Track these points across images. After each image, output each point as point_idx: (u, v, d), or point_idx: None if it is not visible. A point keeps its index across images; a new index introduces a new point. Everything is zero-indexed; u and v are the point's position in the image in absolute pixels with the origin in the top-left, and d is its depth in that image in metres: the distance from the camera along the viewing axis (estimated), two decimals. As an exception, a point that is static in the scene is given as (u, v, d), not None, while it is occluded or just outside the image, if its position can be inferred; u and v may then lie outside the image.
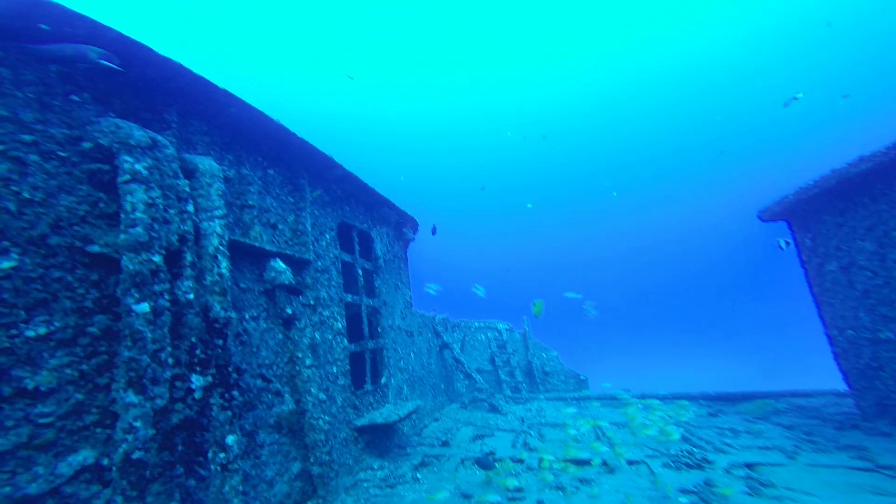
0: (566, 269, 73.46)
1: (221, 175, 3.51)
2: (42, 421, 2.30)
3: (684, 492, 4.44)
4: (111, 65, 2.88)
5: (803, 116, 57.23)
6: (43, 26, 2.71)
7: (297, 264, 4.89)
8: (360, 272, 6.68)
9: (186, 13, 50.53)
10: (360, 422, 5.56)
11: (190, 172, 3.33)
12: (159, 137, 3.12)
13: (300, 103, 60.55)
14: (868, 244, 6.29)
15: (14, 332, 2.28)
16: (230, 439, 3.03)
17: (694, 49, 55.92)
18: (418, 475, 5.31)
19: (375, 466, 5.43)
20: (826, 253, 7.13)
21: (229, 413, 3.06)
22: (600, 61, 59.17)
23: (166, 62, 3.32)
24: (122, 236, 2.68)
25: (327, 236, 5.81)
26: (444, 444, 6.79)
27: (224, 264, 3.26)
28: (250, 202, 4.36)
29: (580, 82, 61.46)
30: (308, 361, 4.58)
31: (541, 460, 5.51)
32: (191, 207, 3.15)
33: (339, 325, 5.66)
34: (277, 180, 4.90)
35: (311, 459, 4.34)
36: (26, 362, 2.30)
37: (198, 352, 2.93)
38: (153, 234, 2.77)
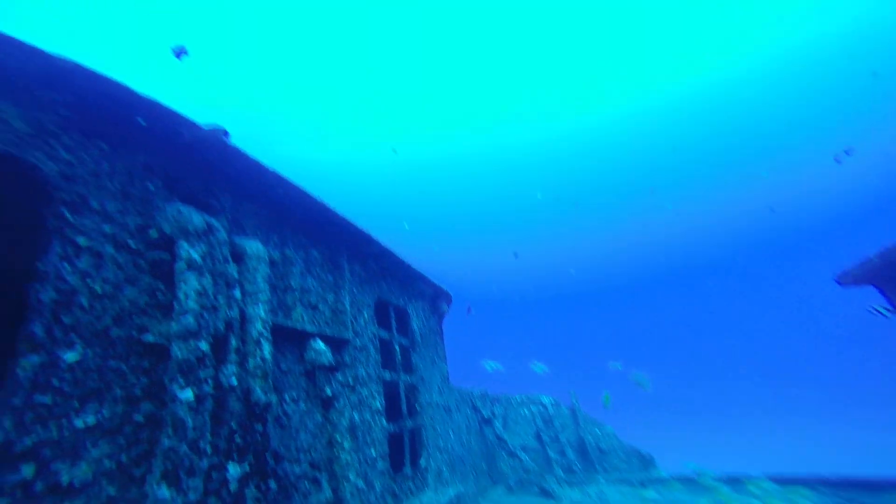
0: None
1: (267, 258, 3.64)
2: None
3: None
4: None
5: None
6: (140, 121, 2.89)
7: (336, 344, 4.89)
8: (397, 348, 6.61)
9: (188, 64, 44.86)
10: (399, 512, 5.19)
11: (239, 256, 3.44)
12: (214, 221, 3.22)
13: (304, 151, 57.87)
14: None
15: (65, 422, 2.24)
16: (264, 536, 2.88)
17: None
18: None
19: (417, 565, 4.97)
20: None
21: (264, 506, 2.94)
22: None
23: (226, 147, 3.44)
24: (175, 326, 2.75)
25: (365, 314, 5.84)
26: None
27: (267, 348, 3.30)
28: (293, 284, 4.44)
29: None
30: (347, 445, 4.42)
31: None
32: (237, 293, 3.26)
33: (378, 405, 5.51)
34: (318, 260, 5.03)
35: (348, 557, 4.04)
36: (69, 454, 2.22)
37: (237, 437, 2.88)
38: (202, 322, 2.83)
